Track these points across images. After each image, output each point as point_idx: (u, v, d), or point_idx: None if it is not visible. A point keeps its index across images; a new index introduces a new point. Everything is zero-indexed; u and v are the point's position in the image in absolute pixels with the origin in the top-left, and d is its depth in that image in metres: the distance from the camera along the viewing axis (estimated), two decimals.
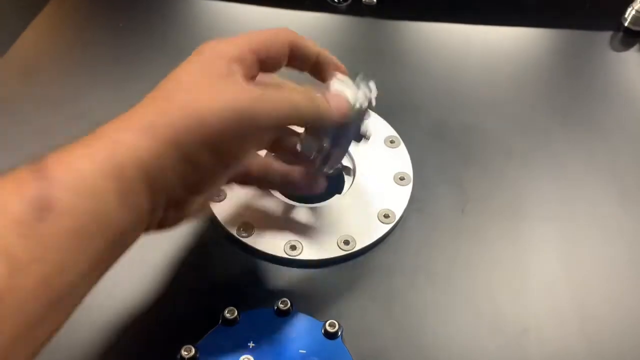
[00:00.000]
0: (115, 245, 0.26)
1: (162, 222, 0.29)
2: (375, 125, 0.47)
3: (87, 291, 0.25)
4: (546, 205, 0.44)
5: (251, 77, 0.30)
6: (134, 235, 0.27)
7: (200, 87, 0.28)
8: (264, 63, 0.31)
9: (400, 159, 0.45)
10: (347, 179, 0.45)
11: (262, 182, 0.38)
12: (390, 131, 0.47)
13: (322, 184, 0.38)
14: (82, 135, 0.48)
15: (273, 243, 0.40)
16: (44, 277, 0.22)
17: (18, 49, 0.55)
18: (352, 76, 0.34)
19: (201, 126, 0.27)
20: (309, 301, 0.37)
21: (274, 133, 0.34)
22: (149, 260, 0.39)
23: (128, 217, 0.26)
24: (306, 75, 0.35)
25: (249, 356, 0.32)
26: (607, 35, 0.60)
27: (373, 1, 0.60)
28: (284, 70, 0.33)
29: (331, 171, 0.38)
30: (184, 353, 0.33)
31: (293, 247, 0.39)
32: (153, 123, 0.26)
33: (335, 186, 0.45)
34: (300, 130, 0.35)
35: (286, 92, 0.31)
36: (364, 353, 0.35)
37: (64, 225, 0.23)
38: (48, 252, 0.22)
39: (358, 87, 0.34)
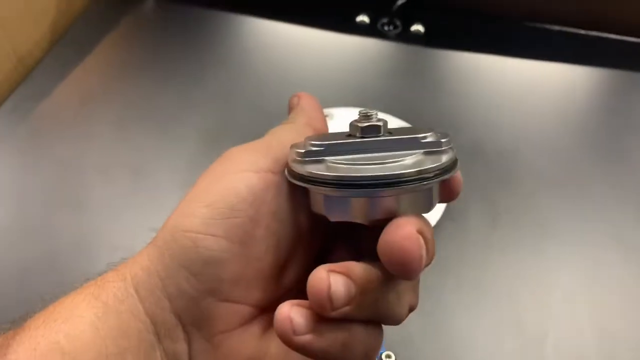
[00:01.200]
0: None
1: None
2: None
3: None
4: (572, 227, 0.47)
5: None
6: None
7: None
8: None
9: None
10: None
11: None
12: None
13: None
14: (150, 127, 0.53)
15: None
16: None
17: (98, 54, 0.61)
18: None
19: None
20: None
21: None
22: None
23: (110, 346, 0.20)
24: None
25: None
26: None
27: (420, 31, 0.65)
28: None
29: None
30: None
31: None
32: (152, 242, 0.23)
33: None
34: None
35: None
36: (393, 342, 0.39)
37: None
38: None
39: None
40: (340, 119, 0.53)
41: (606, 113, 0.58)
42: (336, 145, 0.22)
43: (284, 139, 0.24)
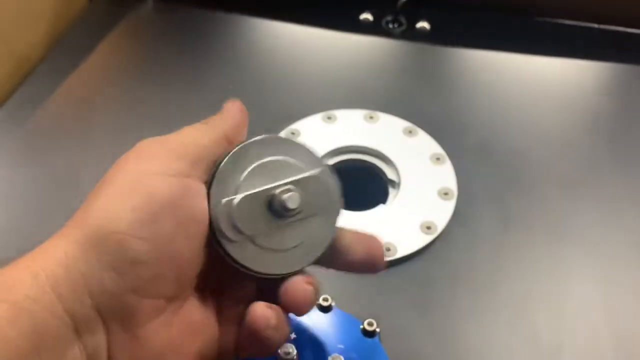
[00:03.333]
0: None
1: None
2: (422, 142, 0.49)
3: None
4: (587, 231, 0.45)
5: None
6: None
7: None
8: None
9: (446, 176, 0.47)
10: (392, 191, 0.47)
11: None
12: (437, 149, 0.49)
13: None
14: (149, 133, 0.51)
15: None
16: None
17: (96, 58, 0.60)
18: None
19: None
20: (349, 300, 0.39)
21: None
22: None
23: (23, 346, 0.20)
24: None
25: (291, 344, 0.34)
26: None
27: (426, 28, 0.63)
28: None
29: None
30: None
31: None
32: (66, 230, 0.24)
33: (380, 196, 0.47)
34: None
35: None
36: (400, 354, 0.37)
37: None
38: None
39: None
40: (344, 121, 0.52)
41: (621, 110, 0.56)
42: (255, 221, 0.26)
43: (199, 142, 0.26)
